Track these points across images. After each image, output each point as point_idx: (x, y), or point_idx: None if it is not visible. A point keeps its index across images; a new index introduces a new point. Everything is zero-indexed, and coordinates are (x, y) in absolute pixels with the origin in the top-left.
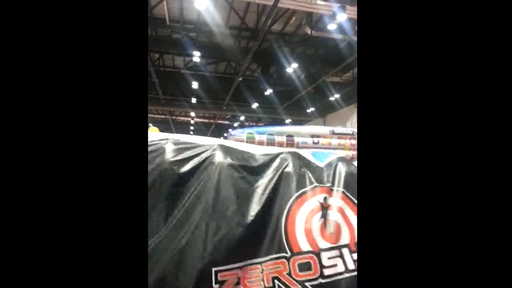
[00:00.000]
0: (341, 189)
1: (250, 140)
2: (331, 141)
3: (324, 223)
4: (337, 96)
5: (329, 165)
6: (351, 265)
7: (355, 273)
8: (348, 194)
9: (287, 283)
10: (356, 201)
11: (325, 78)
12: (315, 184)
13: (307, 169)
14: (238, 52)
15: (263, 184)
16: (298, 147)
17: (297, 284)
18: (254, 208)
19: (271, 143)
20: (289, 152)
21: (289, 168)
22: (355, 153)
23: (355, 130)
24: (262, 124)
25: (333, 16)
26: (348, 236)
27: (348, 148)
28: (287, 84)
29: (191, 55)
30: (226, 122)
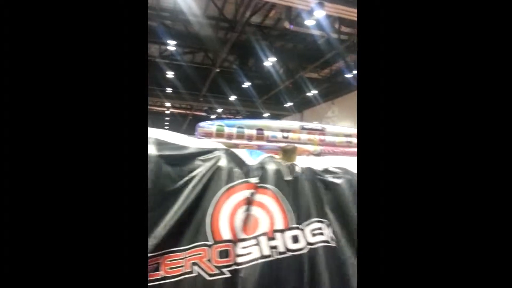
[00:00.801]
0: (267, 185)
1: (219, 132)
2: (300, 136)
3: (247, 215)
4: (314, 92)
5: (259, 163)
6: (266, 252)
7: (270, 258)
8: (272, 189)
9: (205, 268)
10: (280, 196)
11: (303, 73)
12: (244, 179)
13: (238, 166)
14: (215, 43)
15: (194, 176)
16: (268, 141)
17: (215, 269)
18: (182, 200)
19: (241, 135)
20: (224, 149)
21: (222, 163)
22: (323, 148)
23: (325, 126)
24: (241, 117)
25: (311, 12)
26: (268, 226)
27: (316, 144)
28: (265, 77)
29: (166, 44)
30: (203, 114)
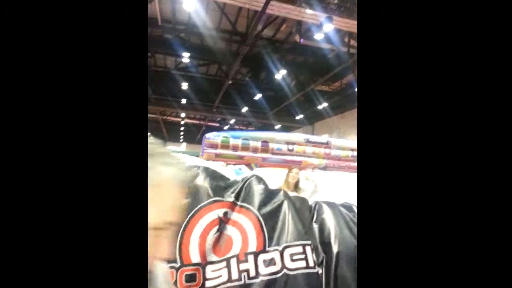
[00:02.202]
0: (245, 204)
1: (224, 144)
2: (305, 149)
3: (218, 236)
4: (325, 104)
5: (241, 181)
6: (236, 275)
7: (239, 282)
8: (251, 208)
9: None
10: (258, 214)
11: (313, 86)
12: (217, 198)
13: (214, 183)
14: (228, 55)
15: None
16: (272, 153)
17: None
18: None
19: (246, 147)
20: (203, 166)
21: (198, 181)
22: (328, 162)
23: (330, 139)
24: (253, 128)
25: (320, 26)
26: (239, 247)
27: (322, 157)
28: (276, 89)
29: (181, 56)
30: (217, 125)
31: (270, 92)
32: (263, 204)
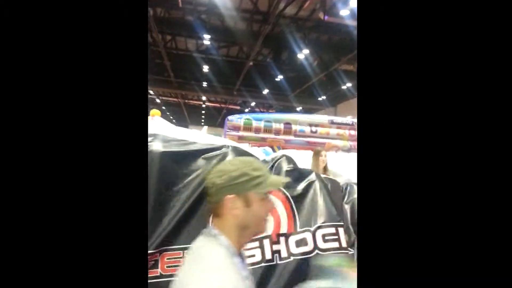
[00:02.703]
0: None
1: (247, 126)
2: (329, 131)
3: None
4: (349, 85)
5: (270, 161)
6: (269, 255)
7: (273, 262)
8: (282, 189)
9: None
10: (288, 195)
11: (337, 65)
12: None
13: None
14: (249, 36)
15: (199, 175)
16: (295, 135)
17: None
18: (184, 198)
19: (268, 130)
20: (232, 146)
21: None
22: (354, 143)
23: (355, 120)
24: (273, 111)
25: (346, 2)
26: (272, 228)
27: (347, 139)
28: (298, 70)
29: (203, 38)
30: (237, 108)
31: (292, 73)
32: (293, 184)
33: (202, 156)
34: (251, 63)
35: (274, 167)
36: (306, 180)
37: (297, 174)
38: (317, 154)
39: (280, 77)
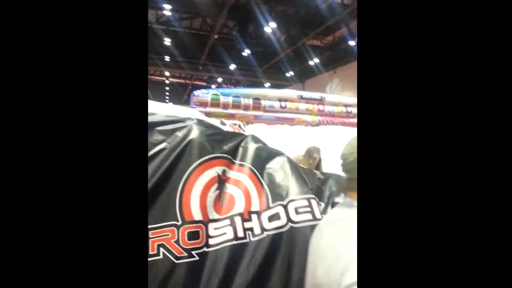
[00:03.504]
0: (244, 163)
1: (214, 101)
2: (299, 106)
3: (219, 195)
4: (316, 60)
5: (238, 139)
6: (241, 233)
7: (244, 240)
8: (251, 167)
9: (173, 250)
10: (258, 173)
11: (304, 40)
12: (216, 154)
13: (211, 137)
14: (213, 7)
15: (162, 150)
16: (265, 110)
17: (183, 252)
18: (148, 176)
19: (237, 105)
20: (197, 119)
21: (194, 135)
22: (322, 118)
23: (324, 95)
24: (241, 87)
25: None
26: (243, 206)
27: (315, 114)
28: (266, 45)
29: (162, 8)
30: (203, 84)
31: (259, 47)
32: (263, 162)
33: (158, 128)
34: (216, 36)
35: (241, 146)
36: (276, 159)
37: (267, 153)
38: (308, 154)
39: (247, 52)
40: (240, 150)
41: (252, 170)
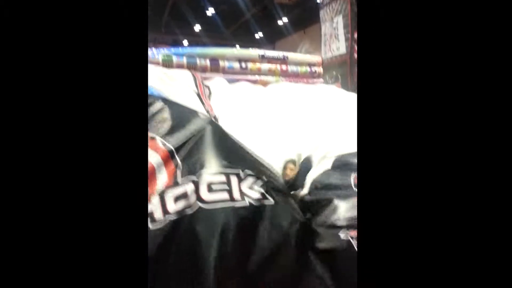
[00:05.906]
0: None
1: (166, 63)
2: (260, 66)
3: None
4: (285, 20)
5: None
6: None
7: None
8: (157, 138)
9: None
10: (167, 144)
11: None
12: None
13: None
14: None
15: None
16: (224, 72)
17: None
18: None
19: (192, 67)
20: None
21: None
22: (285, 79)
23: (287, 54)
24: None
25: None
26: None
27: (278, 74)
28: (231, 2)
29: None
30: (168, 47)
31: (224, 5)
32: (173, 131)
33: None
34: None
35: (157, 119)
36: (192, 124)
37: (179, 119)
38: (285, 166)
39: (211, 11)
40: (153, 123)
41: (161, 142)
